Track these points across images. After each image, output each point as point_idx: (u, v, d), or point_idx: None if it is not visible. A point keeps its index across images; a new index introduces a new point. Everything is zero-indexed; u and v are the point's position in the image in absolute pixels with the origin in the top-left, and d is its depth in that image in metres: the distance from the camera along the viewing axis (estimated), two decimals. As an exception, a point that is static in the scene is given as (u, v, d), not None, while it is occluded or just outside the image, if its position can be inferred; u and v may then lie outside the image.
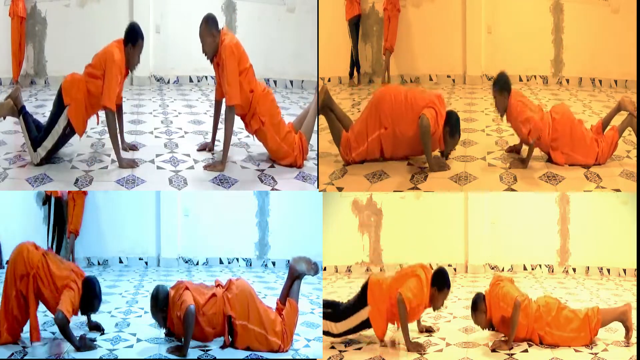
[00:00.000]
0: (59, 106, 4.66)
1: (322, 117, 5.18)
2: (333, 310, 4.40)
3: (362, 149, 4.99)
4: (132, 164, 4.85)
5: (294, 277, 4.29)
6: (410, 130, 4.82)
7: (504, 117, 4.91)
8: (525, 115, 4.72)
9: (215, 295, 4.08)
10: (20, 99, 4.75)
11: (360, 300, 4.34)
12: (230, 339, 4.08)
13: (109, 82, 4.55)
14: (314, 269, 4.31)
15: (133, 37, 4.69)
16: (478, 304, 4.38)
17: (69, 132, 4.72)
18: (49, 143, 4.68)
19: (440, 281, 4.28)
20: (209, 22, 4.67)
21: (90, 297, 4.06)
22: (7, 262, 4.09)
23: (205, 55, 4.74)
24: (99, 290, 4.13)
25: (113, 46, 4.63)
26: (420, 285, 4.23)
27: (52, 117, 4.69)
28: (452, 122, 4.84)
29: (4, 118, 4.82)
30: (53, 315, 3.95)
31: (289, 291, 4.27)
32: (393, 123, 4.87)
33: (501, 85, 4.83)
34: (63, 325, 3.83)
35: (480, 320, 4.40)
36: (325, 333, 4.41)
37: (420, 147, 4.82)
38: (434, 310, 4.44)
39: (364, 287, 4.37)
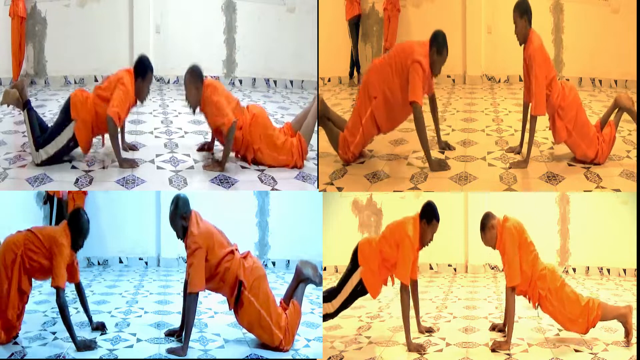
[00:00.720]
0: (66, 116, 4.69)
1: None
2: (328, 293, 4.39)
3: (358, 137, 4.93)
4: (132, 164, 4.85)
5: (300, 280, 4.28)
6: (399, 91, 4.73)
7: (523, 47, 4.70)
8: (549, 70, 4.60)
9: (233, 253, 4.04)
10: (26, 91, 4.77)
11: (352, 266, 4.31)
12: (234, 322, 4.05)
13: (118, 98, 4.63)
14: (319, 278, 4.31)
15: (143, 70, 4.78)
16: (487, 221, 4.26)
17: (72, 146, 4.77)
18: (51, 149, 4.71)
19: (428, 214, 4.24)
20: (193, 74, 4.80)
21: (76, 226, 4.07)
22: None
23: (189, 105, 4.88)
24: (86, 219, 4.12)
25: (124, 74, 4.73)
26: (412, 247, 4.19)
27: (58, 125, 4.72)
28: (438, 42, 4.68)
29: (8, 105, 4.84)
30: (51, 285, 3.92)
31: (294, 293, 4.26)
32: (382, 88, 4.78)
33: (522, 9, 4.65)
34: (62, 305, 3.84)
35: (490, 237, 4.27)
36: (324, 318, 4.40)
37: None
38: (423, 246, 4.33)
39: (355, 251, 4.34)
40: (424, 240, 4.30)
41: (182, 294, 4.29)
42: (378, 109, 4.84)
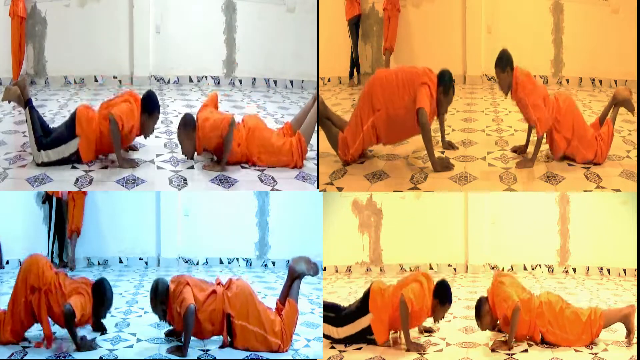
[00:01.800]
0: (71, 130, 4.71)
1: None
2: (335, 315, 4.40)
3: (358, 143, 4.94)
4: (132, 164, 4.85)
5: (294, 277, 4.28)
6: (404, 109, 4.75)
7: (509, 95, 4.83)
8: (537, 101, 4.68)
9: (215, 292, 4.08)
10: (27, 90, 4.79)
11: (362, 307, 4.34)
12: (229, 340, 4.07)
13: (122, 106, 4.69)
14: (314, 269, 4.31)
15: (150, 108, 4.84)
16: (481, 308, 4.35)
17: (74, 160, 4.79)
18: (54, 156, 4.73)
19: (442, 294, 4.28)
20: (186, 126, 4.85)
21: (101, 297, 4.10)
22: (19, 268, 4.10)
23: (186, 156, 4.94)
24: (109, 289, 4.18)
25: (132, 98, 4.80)
26: (422, 290, 4.23)
27: (63, 135, 4.73)
28: (444, 81, 4.75)
29: (9, 102, 4.84)
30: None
31: (289, 291, 4.27)
32: (385, 104, 4.80)
33: (504, 62, 4.76)
34: (69, 317, 3.85)
35: (485, 322, 4.38)
36: (326, 337, 4.41)
37: (415, 128, 4.74)
38: (435, 322, 4.43)
39: (366, 295, 4.36)
40: (436, 317, 4.35)
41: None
42: (380, 122, 4.87)
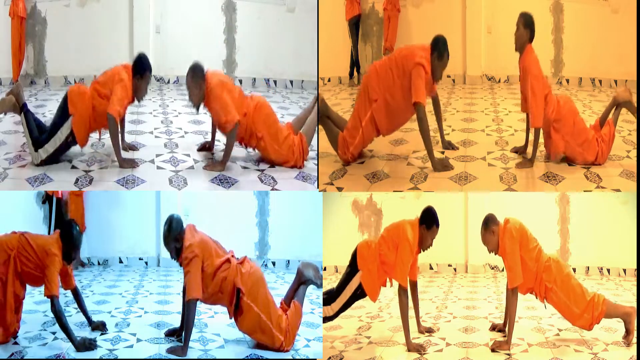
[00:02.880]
0: (64, 113, 4.68)
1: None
2: (328, 295, 4.39)
3: (358, 139, 4.93)
4: (132, 164, 4.85)
5: (301, 282, 4.27)
6: (402, 95, 4.74)
7: (518, 57, 4.78)
8: (545, 85, 4.66)
9: (229, 262, 4.02)
10: (22, 95, 4.76)
11: (351, 269, 4.30)
12: (234, 318, 4.05)
13: (118, 94, 4.60)
14: (320, 280, 4.30)
15: (141, 68, 4.75)
16: (489, 223, 4.24)
17: (70, 141, 4.75)
18: (50, 147, 4.70)
19: (428, 219, 4.23)
20: (195, 73, 4.75)
21: (69, 239, 4.04)
22: None
23: (193, 105, 4.84)
24: (77, 232, 4.08)
25: (121, 68, 4.70)
26: (410, 250, 4.18)
27: (56, 122, 4.71)
28: (438, 47, 4.70)
29: (5, 114, 4.82)
30: (44, 294, 3.90)
31: (294, 294, 4.26)
32: (382, 92, 4.79)
33: (528, 20, 4.71)
34: (58, 313, 3.83)
35: (490, 240, 4.26)
36: (324, 320, 4.40)
37: (413, 112, 4.72)
38: (422, 250, 4.32)
39: (354, 254, 4.33)
40: (424, 245, 4.29)
41: (181, 294, 4.29)
42: (378, 112, 4.84)
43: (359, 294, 4.30)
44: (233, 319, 4.08)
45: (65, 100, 4.68)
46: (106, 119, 4.62)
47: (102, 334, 4.29)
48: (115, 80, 4.63)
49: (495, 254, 4.29)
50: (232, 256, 4.13)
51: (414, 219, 4.29)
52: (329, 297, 4.36)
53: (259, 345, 4.07)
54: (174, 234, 3.98)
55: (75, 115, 4.65)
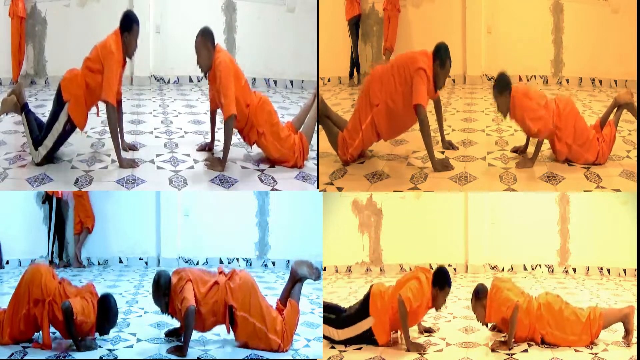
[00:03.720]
0: (59, 103, 4.65)
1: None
2: (336, 316, 4.39)
3: (357, 141, 4.94)
4: (132, 164, 4.84)
5: (295, 280, 4.28)
6: (401, 99, 4.74)
7: (507, 117, 4.87)
8: (536, 114, 4.69)
9: (217, 283, 4.05)
10: (23, 95, 4.76)
11: (363, 310, 4.33)
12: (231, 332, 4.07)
13: (109, 75, 4.54)
14: (316, 273, 4.30)
15: (128, 24, 4.68)
16: (480, 295, 4.34)
17: (69, 129, 4.70)
18: (49, 141, 4.68)
19: (441, 280, 4.28)
20: (205, 35, 4.71)
21: (105, 312, 4.05)
22: (21, 277, 4.06)
23: (200, 67, 4.79)
24: (114, 305, 4.10)
25: (110, 39, 4.63)
26: (421, 287, 4.23)
27: (53, 115, 4.69)
28: (440, 54, 4.74)
29: (7, 114, 4.82)
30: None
31: (290, 293, 4.26)
32: (384, 97, 4.79)
33: (502, 86, 4.81)
34: (68, 314, 3.83)
35: (478, 312, 4.37)
36: (327, 338, 4.41)
37: (415, 118, 4.73)
38: (436, 310, 4.44)
39: (366, 298, 4.35)
40: (436, 305, 4.35)
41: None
42: (379, 116, 4.84)
43: (368, 335, 4.35)
44: (232, 332, 4.11)
45: (59, 90, 4.65)
46: (100, 93, 4.57)
47: (101, 334, 4.27)
48: (106, 53, 4.56)
49: (483, 325, 4.45)
50: (221, 273, 4.17)
51: (427, 274, 4.34)
52: (338, 321, 4.38)
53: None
54: (163, 289, 4.02)
55: (70, 100, 4.60)
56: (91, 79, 4.60)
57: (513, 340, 4.19)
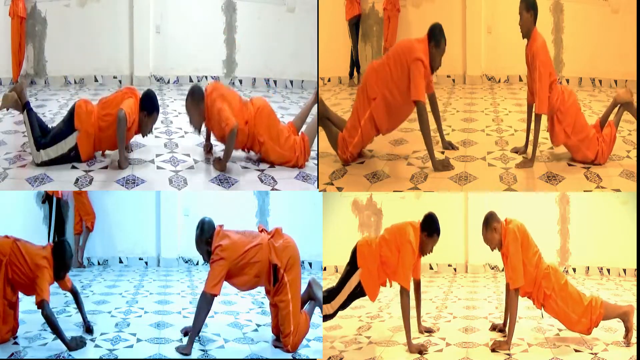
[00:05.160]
0: (69, 125, 4.70)
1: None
2: (328, 293, 4.38)
3: (357, 138, 4.91)
4: (127, 162, 4.87)
5: (310, 297, 4.29)
6: (398, 90, 4.71)
7: (525, 45, 4.71)
8: (547, 70, 4.60)
9: (260, 244, 4.04)
10: (25, 93, 4.77)
11: (351, 267, 4.29)
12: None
13: (130, 102, 4.69)
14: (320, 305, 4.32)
15: (149, 106, 4.81)
16: (491, 221, 4.24)
17: (73, 155, 4.77)
18: (53, 153, 4.72)
19: (429, 227, 4.25)
20: (194, 95, 4.78)
21: (61, 259, 4.02)
22: None
23: (194, 128, 4.90)
24: (69, 250, 4.08)
25: (131, 95, 4.77)
26: (412, 252, 4.18)
27: (61, 131, 4.73)
28: (435, 35, 4.67)
29: (7, 109, 4.84)
30: (35, 301, 3.88)
31: (305, 304, 4.27)
32: (381, 89, 4.75)
33: (529, 2, 4.60)
34: (48, 316, 3.80)
35: (491, 238, 4.25)
36: (324, 318, 4.40)
37: (413, 107, 4.72)
38: (422, 255, 4.36)
39: (353, 252, 4.32)
40: (424, 251, 4.32)
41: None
42: (377, 110, 4.82)
43: (358, 292, 4.29)
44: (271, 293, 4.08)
45: (71, 113, 4.71)
46: (113, 143, 4.73)
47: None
48: (119, 100, 4.71)
49: (499, 251, 4.28)
50: (262, 230, 4.17)
51: (415, 221, 4.29)
52: (329, 295, 4.36)
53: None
54: (205, 237, 4.03)
55: (81, 132, 4.69)
56: (104, 123, 4.71)
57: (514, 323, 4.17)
